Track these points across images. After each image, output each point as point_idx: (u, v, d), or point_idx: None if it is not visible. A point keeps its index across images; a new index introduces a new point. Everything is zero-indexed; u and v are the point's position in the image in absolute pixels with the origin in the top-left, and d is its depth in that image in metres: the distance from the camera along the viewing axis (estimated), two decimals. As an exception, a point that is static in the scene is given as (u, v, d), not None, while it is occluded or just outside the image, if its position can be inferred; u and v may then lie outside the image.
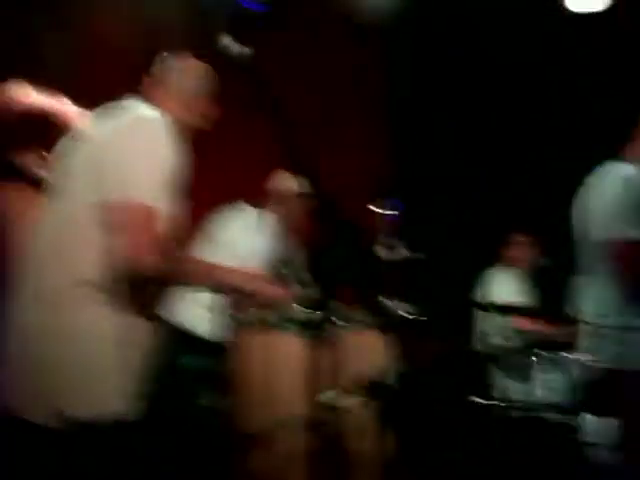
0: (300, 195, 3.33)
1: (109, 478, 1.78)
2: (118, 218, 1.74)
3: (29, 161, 2.33)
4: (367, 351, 2.27)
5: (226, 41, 1.47)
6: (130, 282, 1.80)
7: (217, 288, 1.95)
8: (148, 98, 2.02)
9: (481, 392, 4.01)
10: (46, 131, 2.34)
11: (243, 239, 3.08)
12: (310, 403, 1.96)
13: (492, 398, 3.92)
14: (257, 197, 3.34)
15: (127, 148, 1.80)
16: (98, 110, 2.01)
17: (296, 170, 1.41)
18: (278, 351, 2.30)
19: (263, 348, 2.34)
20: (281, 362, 2.29)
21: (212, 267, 1.97)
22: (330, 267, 1.42)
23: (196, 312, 3.06)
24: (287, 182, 3.38)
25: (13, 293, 1.88)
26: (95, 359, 1.78)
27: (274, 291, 2.01)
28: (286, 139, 1.43)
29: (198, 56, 2.05)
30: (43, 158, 2.36)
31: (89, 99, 2.33)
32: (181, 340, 3.04)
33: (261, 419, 2.24)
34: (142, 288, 1.89)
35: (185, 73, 2.08)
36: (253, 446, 2.25)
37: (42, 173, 2.34)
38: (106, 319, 1.80)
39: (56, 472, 1.79)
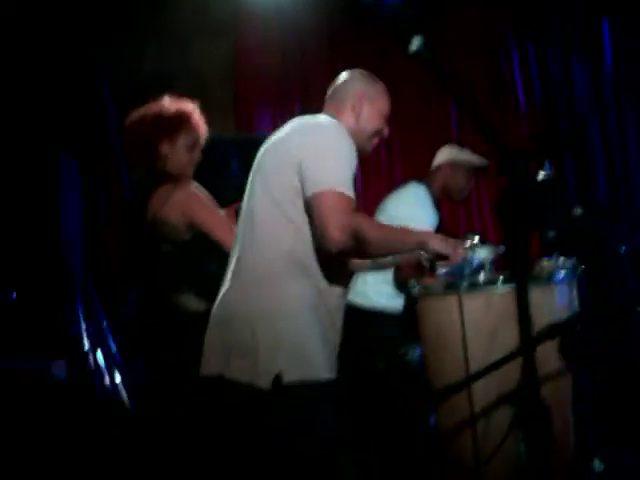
0: (464, 165, 3.48)
1: (303, 433, 2.00)
2: (320, 204, 1.97)
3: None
4: (548, 304, 2.40)
5: (418, 42, 1.62)
6: (331, 257, 2.02)
7: (405, 247, 2.09)
8: (327, 113, 2.25)
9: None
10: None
11: (416, 213, 3.28)
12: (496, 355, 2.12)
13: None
14: (425, 175, 3.55)
15: (319, 145, 2.04)
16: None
17: (482, 134, 1.55)
18: (462, 312, 2.46)
19: (447, 311, 2.51)
20: (466, 322, 2.45)
21: (400, 228, 2.15)
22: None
23: (379, 288, 3.33)
24: (450, 155, 3.54)
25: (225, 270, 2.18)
26: (293, 328, 2.00)
27: (455, 249, 2.13)
28: (470, 112, 1.58)
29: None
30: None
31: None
32: (368, 316, 3.30)
33: (453, 375, 2.43)
34: (340, 263, 2.14)
35: (361, 90, 2.26)
36: (446, 399, 2.45)
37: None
38: (305, 291, 2.05)
39: (255, 427, 2.04)
